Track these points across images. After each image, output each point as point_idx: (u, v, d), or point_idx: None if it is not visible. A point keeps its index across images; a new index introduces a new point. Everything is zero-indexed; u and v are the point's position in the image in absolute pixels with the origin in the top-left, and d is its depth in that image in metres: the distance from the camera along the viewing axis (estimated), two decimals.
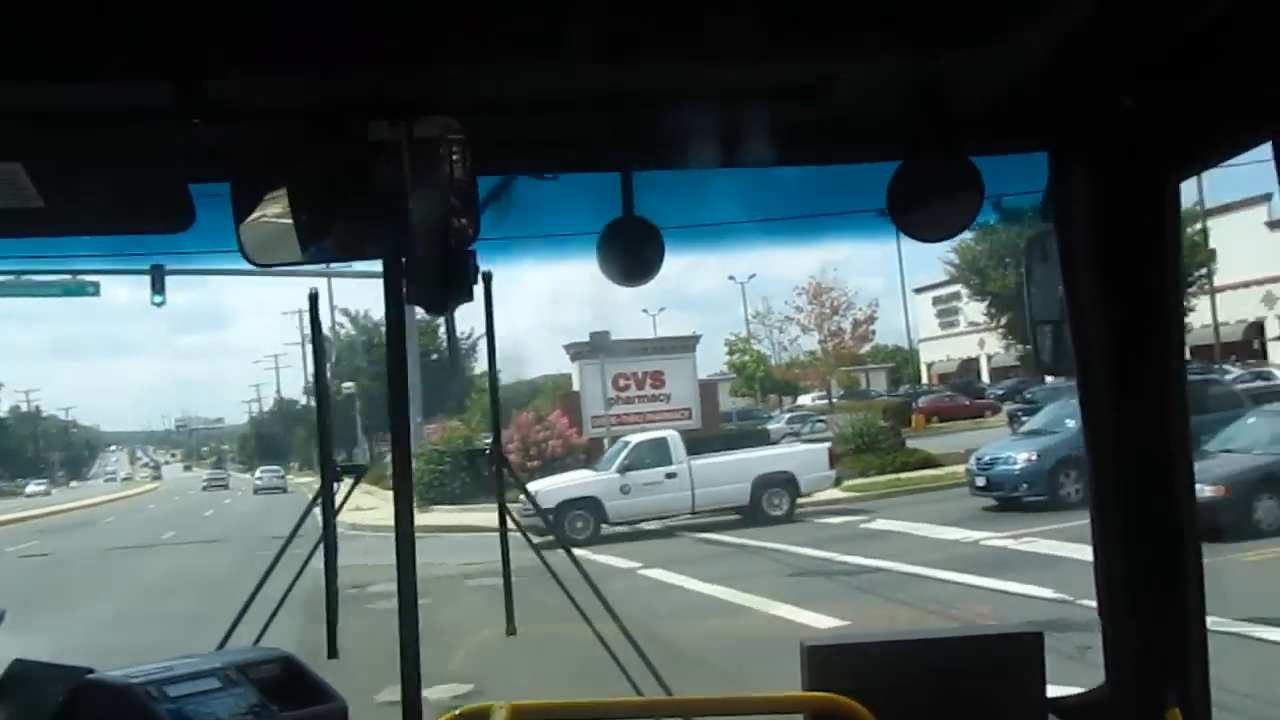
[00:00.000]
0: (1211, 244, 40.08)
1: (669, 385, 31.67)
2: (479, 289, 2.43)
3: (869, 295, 61.18)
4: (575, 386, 31.51)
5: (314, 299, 2.76)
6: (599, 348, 30.83)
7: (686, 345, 32.66)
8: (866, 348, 46.35)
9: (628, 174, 2.32)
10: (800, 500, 22.91)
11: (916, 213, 2.20)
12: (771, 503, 21.91)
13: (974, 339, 47.45)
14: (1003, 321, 39.81)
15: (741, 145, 2.26)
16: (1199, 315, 39.46)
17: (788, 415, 40.00)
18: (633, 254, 2.32)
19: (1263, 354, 43.14)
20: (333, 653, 2.89)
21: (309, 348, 35.96)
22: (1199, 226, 34.87)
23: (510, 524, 2.83)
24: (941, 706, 2.43)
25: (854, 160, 2.41)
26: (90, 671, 2.11)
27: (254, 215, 2.20)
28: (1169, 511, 2.34)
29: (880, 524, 19.55)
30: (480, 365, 38.88)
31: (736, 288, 47.84)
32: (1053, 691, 2.54)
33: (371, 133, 2.08)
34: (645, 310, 52.16)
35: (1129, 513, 2.35)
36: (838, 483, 23.34)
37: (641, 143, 2.22)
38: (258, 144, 2.23)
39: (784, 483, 21.99)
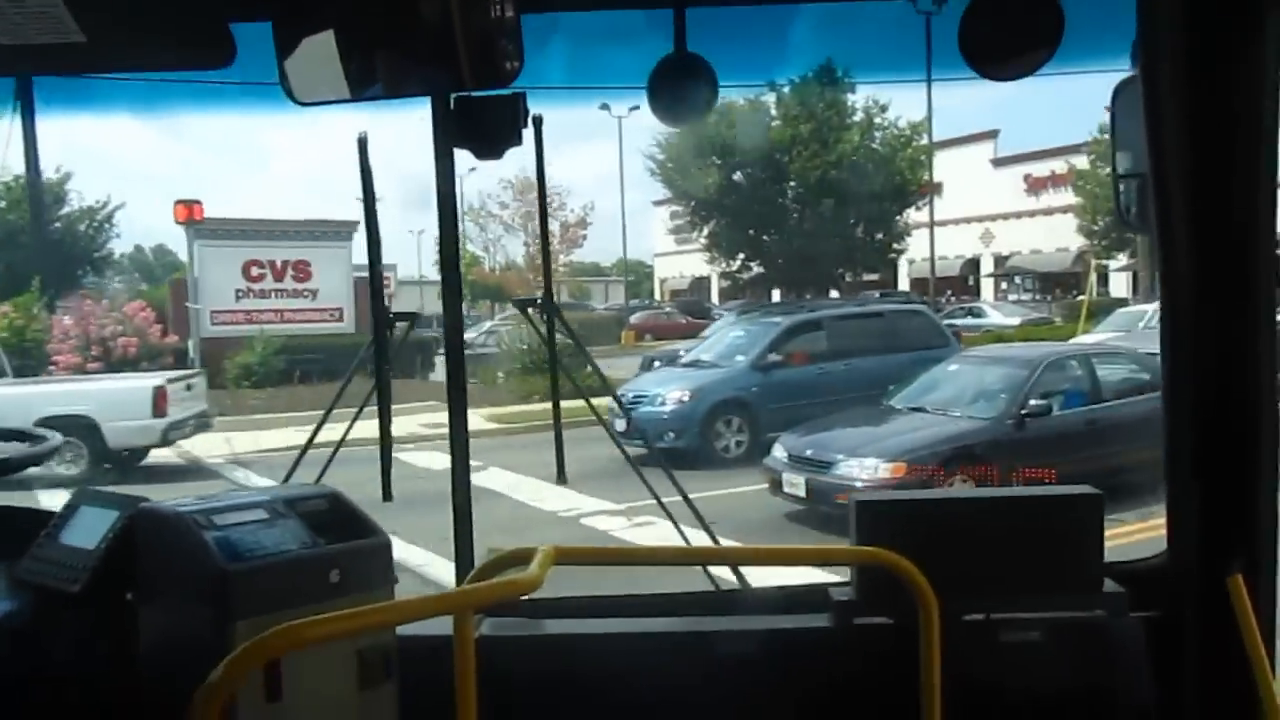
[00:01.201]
0: (937, 177, 41.76)
1: (317, 279, 28.98)
2: (529, 133, 2.61)
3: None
4: (195, 272, 27.56)
5: (363, 143, 2.88)
6: (220, 227, 27.41)
7: (341, 233, 29.28)
8: (579, 253, 43.59)
9: (680, 9, 2.43)
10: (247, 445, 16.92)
11: (990, 50, 2.34)
12: (63, 457, 14.52)
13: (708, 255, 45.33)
14: (705, 232, 37.94)
15: None
16: (918, 247, 41.58)
17: (490, 323, 35.49)
18: (684, 93, 2.49)
19: (976, 291, 46.03)
20: (387, 496, 3.17)
21: None
22: (923, 157, 36.36)
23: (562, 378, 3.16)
24: (992, 566, 2.61)
25: None
26: (145, 500, 2.32)
27: (298, 53, 2.26)
28: (1244, 372, 2.41)
29: (488, 477, 14.97)
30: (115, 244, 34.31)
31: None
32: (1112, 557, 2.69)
33: None
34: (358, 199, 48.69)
35: (1202, 373, 2.43)
36: (168, 440, 16.96)
37: None
38: None
39: (79, 429, 15.38)
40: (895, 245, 38.58)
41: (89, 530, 2.31)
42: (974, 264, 48.02)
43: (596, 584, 2.87)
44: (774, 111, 35.43)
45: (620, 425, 14.16)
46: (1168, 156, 2.36)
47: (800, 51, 2.88)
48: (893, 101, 36.05)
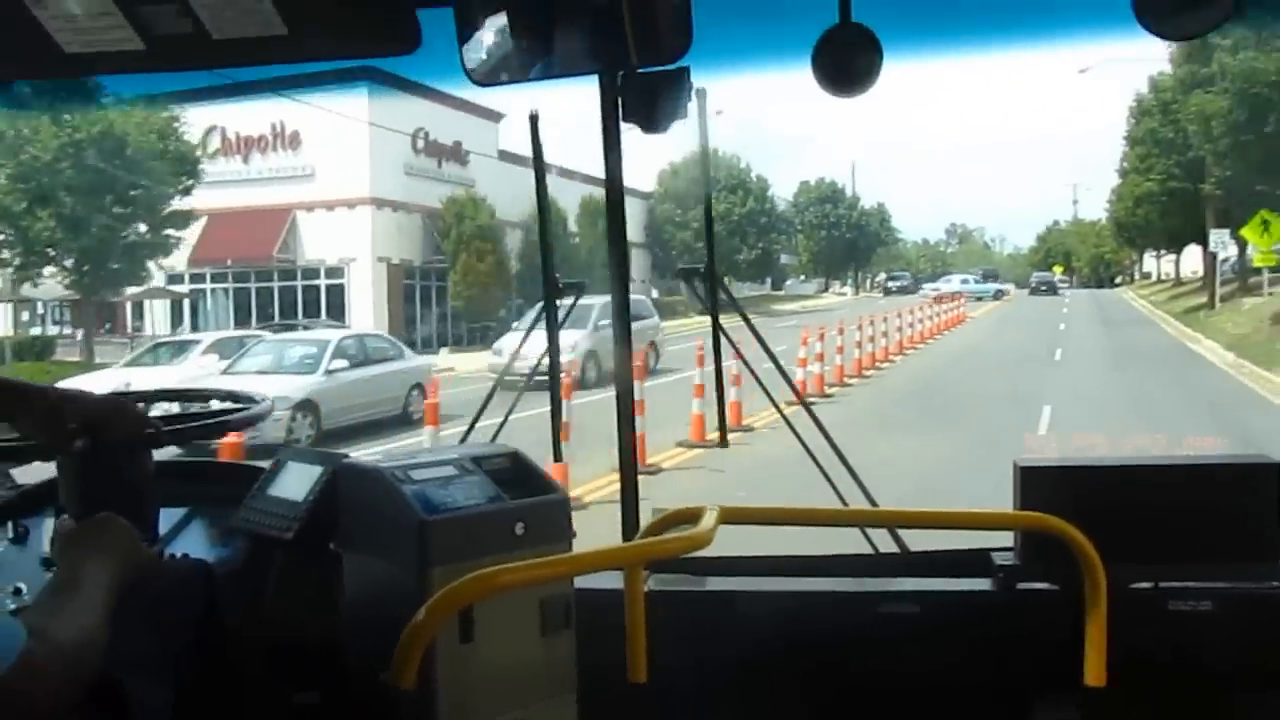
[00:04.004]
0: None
1: None
2: (693, 106, 2.72)
3: None
4: None
5: (534, 120, 3.13)
6: None
7: None
8: None
9: None
10: None
11: (1163, 6, 2.24)
12: None
13: None
14: None
15: None
16: None
17: None
18: (848, 63, 2.51)
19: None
20: (557, 456, 3.42)
21: None
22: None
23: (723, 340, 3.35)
24: (1160, 533, 2.63)
25: None
26: (346, 456, 2.54)
27: (477, 36, 2.45)
28: None
29: None
30: None
31: None
32: None
33: None
34: None
35: None
36: None
37: None
38: None
39: None
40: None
41: (296, 484, 2.53)
42: None
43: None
44: None
45: None
46: None
47: (966, 20, 2.89)
48: None
